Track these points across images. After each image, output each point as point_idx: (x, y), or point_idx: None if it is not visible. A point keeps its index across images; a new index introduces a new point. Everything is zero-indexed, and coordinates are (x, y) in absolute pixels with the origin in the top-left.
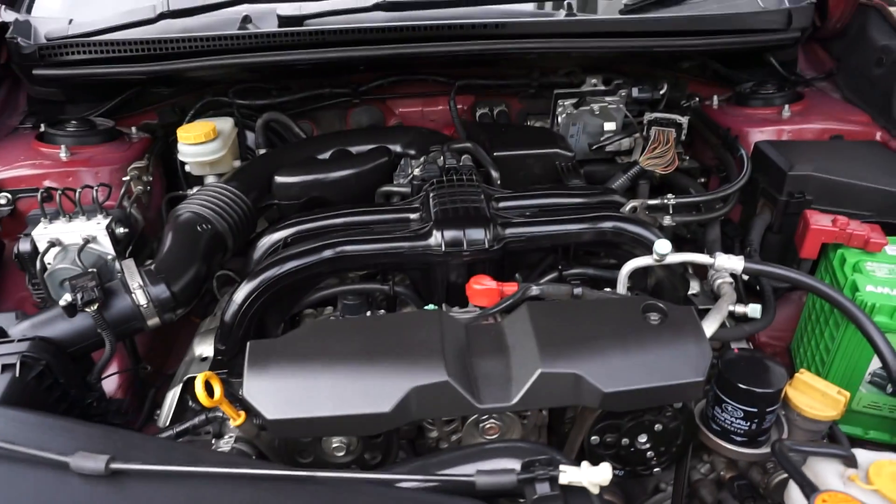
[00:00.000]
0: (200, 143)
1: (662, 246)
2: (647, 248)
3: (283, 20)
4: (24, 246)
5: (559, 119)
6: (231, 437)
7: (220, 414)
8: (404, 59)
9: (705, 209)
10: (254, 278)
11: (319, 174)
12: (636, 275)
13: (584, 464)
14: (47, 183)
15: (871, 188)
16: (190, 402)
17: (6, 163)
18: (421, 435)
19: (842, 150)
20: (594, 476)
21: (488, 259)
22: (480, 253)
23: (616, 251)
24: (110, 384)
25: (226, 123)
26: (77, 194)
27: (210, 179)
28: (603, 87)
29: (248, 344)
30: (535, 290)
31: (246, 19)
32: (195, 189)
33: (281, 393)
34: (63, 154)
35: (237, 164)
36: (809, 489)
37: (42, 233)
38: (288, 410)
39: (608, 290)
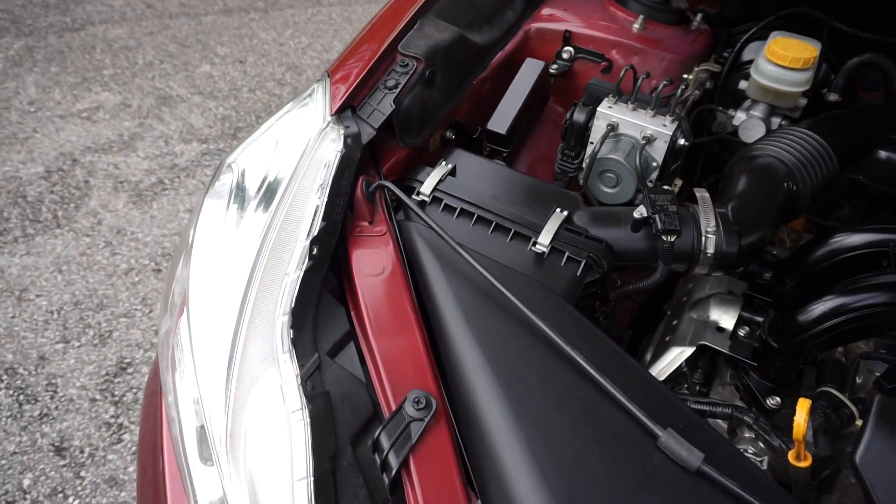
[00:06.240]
0: (791, 68)
1: None
2: None
3: None
4: (579, 116)
5: None
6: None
7: (756, 425)
8: None
9: None
10: None
11: None
12: None
13: None
14: (614, 54)
15: None
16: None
17: (581, 17)
18: None
19: None
20: None
21: None
22: None
23: None
24: None
25: (813, 51)
26: (639, 80)
27: (759, 108)
28: None
29: (878, 398)
30: None
31: None
32: (770, 128)
33: None
34: (637, 25)
35: (802, 101)
36: None
37: (606, 112)
38: None
39: None
